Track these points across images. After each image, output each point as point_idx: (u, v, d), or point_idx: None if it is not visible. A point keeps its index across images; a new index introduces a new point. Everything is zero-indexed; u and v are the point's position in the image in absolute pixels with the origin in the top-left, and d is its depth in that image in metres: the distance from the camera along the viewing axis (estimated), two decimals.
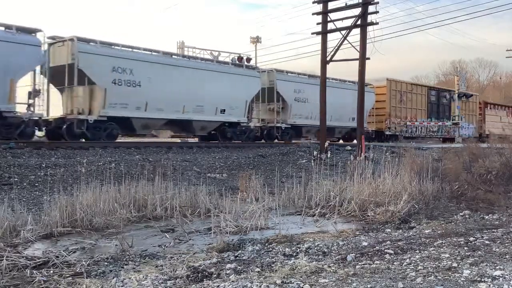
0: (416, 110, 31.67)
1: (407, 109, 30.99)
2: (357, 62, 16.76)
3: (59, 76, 16.31)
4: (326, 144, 13.57)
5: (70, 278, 3.88)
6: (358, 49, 16.48)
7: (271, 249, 4.92)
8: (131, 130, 18.29)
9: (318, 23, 17.66)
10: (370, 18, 16.58)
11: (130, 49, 17.89)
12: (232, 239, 5.28)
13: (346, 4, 17.06)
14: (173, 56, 19.57)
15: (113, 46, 17.35)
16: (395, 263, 4.23)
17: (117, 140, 18.30)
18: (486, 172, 9.09)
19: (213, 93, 19.88)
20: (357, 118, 18.35)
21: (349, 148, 18.89)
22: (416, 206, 6.89)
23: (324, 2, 17.48)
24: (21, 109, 15.37)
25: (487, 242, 5.02)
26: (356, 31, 16.85)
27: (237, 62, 22.59)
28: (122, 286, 3.69)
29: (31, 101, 15.59)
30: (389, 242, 5.06)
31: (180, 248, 5.07)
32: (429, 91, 33.61)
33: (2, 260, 4.12)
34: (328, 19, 17.45)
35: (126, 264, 4.32)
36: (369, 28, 16.43)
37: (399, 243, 4.99)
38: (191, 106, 19.33)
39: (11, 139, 14.23)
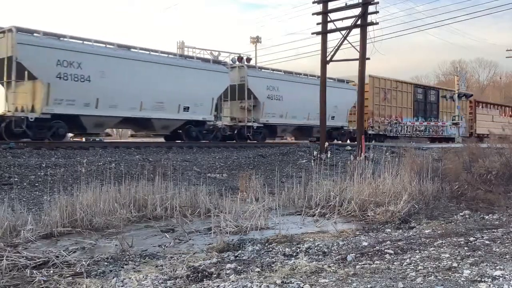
0: (401, 108, 30.65)
1: (391, 107, 29.97)
2: (357, 62, 16.75)
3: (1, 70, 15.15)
4: (326, 144, 13.56)
5: (70, 278, 3.88)
6: (358, 49, 16.47)
7: (271, 249, 4.92)
8: (81, 129, 16.91)
9: (318, 23, 17.66)
10: (370, 18, 16.58)
11: (80, 41, 16.46)
12: (232, 239, 5.28)
13: (346, 4, 17.06)
14: (132, 50, 18.05)
15: (61, 38, 15.87)
16: (395, 263, 4.23)
17: (117, 140, 18.27)
18: (486, 172, 9.09)
19: (175, 90, 18.57)
20: (357, 118, 18.35)
21: (349, 148, 18.88)
22: (416, 206, 6.89)
23: (324, 2, 17.48)
24: None
25: (487, 242, 5.02)
26: (356, 31, 16.86)
27: (237, 62, 22.50)
28: (122, 286, 3.69)
29: None
30: (389, 242, 5.06)
31: (180, 248, 5.07)
32: (415, 89, 32.57)
33: (2, 260, 4.12)
34: (328, 19, 17.45)
35: (126, 264, 4.32)
36: (369, 28, 16.43)
37: (399, 243, 4.99)
38: (149, 103, 17.89)
39: None
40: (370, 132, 27.69)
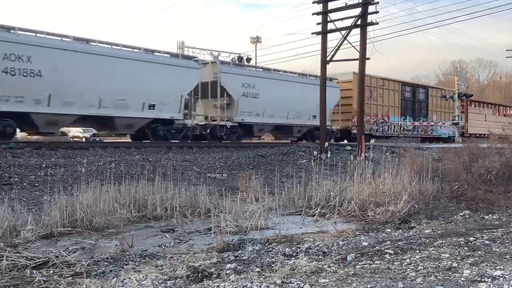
0: (388, 107, 29.39)
1: (377, 106, 28.74)
2: (357, 62, 16.76)
3: None
4: (326, 144, 13.57)
5: (70, 278, 3.88)
6: (358, 49, 16.47)
7: (271, 249, 4.92)
8: (33, 128, 15.70)
9: (318, 23, 17.66)
10: (370, 18, 16.58)
11: (32, 34, 15.33)
12: (232, 239, 5.28)
13: (346, 4, 17.06)
14: (91, 43, 16.70)
15: (10, 30, 14.81)
16: (395, 263, 4.23)
17: (117, 140, 18.24)
18: (486, 172, 9.08)
19: (139, 86, 17.34)
20: (357, 118, 18.34)
21: (349, 148, 18.88)
22: (416, 206, 6.89)
23: (324, 2, 17.48)
24: None
25: (487, 242, 5.02)
26: (356, 31, 16.86)
27: (237, 62, 22.22)
28: (122, 286, 3.69)
29: None
30: (389, 242, 5.06)
31: (180, 248, 5.07)
32: (403, 87, 31.33)
33: (2, 260, 4.12)
34: (328, 19, 17.45)
35: (126, 264, 4.32)
36: (369, 28, 16.43)
37: (399, 243, 4.99)
38: (110, 100, 16.63)
39: None
40: (354, 131, 25.79)
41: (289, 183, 8.71)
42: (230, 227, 5.87)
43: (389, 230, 5.99)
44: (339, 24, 17.32)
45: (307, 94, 23.33)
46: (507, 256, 4.42)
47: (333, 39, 43.15)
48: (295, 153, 16.72)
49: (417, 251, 4.65)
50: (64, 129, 22.77)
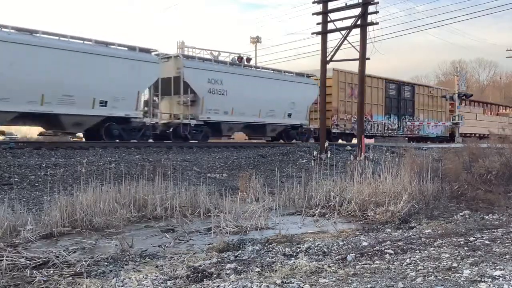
0: (371, 105, 27.58)
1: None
2: (357, 62, 16.76)
3: None
4: (326, 144, 13.57)
5: (70, 278, 3.88)
6: (358, 49, 16.48)
7: (271, 249, 4.92)
8: None
9: (318, 23, 17.67)
10: (370, 18, 16.59)
11: None
12: (232, 239, 5.28)
13: (346, 4, 17.07)
14: (34, 34, 15.17)
15: None
16: (395, 263, 4.23)
17: (117, 140, 18.11)
18: (486, 172, 9.09)
19: (89, 81, 15.82)
20: (357, 117, 18.34)
21: (349, 148, 18.88)
22: (416, 206, 6.89)
23: (324, 2, 17.48)
24: None
25: (487, 242, 5.02)
26: (356, 31, 16.86)
27: (236, 62, 21.98)
28: (122, 286, 3.69)
29: None
30: (389, 242, 5.06)
31: (180, 248, 5.07)
32: (387, 84, 29.52)
33: (2, 260, 4.13)
34: (328, 19, 17.45)
35: (126, 264, 4.33)
36: (369, 28, 16.44)
37: (399, 243, 4.99)
38: (54, 96, 15.09)
39: None
40: (334, 130, 25.30)
41: (289, 183, 8.71)
42: (230, 227, 5.87)
43: (389, 230, 5.99)
44: (339, 24, 17.35)
45: (282, 92, 22.43)
46: (507, 256, 4.42)
47: (333, 39, 43.09)
48: (295, 153, 16.72)
49: (417, 251, 4.66)
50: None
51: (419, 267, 4.04)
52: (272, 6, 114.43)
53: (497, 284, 3.55)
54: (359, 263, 4.21)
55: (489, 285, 3.53)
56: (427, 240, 5.13)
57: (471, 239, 5.16)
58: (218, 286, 3.62)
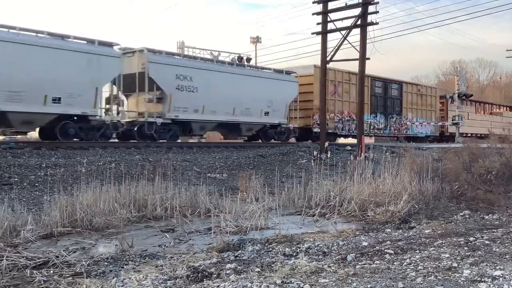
0: (355, 103, 25.53)
1: (343, 102, 25.87)
2: (357, 62, 16.76)
3: None
4: (326, 144, 13.57)
5: (70, 278, 3.88)
6: (358, 49, 16.48)
7: (271, 249, 4.92)
8: None
9: (318, 23, 17.67)
10: (370, 18, 16.58)
11: None
12: (232, 239, 5.28)
13: (346, 4, 17.07)
14: None
15: None
16: (395, 263, 4.23)
17: (117, 141, 18.04)
18: (486, 172, 9.09)
19: (39, 76, 14.70)
20: (358, 117, 18.33)
21: (349, 148, 18.89)
22: (416, 206, 6.89)
23: (324, 2, 17.48)
24: None
25: (487, 242, 5.03)
26: (356, 31, 16.86)
27: (237, 62, 21.73)
28: (122, 286, 3.69)
29: None
30: (389, 242, 5.06)
31: (180, 248, 5.07)
32: (373, 82, 27.97)
33: (2, 260, 4.13)
34: (328, 19, 17.45)
35: (126, 264, 4.33)
36: (369, 28, 16.43)
37: (399, 243, 5.00)
38: (0, 92, 14.10)
39: None
40: (316, 130, 23.59)
41: (289, 183, 8.71)
42: (230, 227, 5.87)
43: (389, 230, 5.99)
44: (339, 24, 17.34)
45: (258, 89, 21.30)
46: (507, 256, 4.42)
47: (333, 39, 43.05)
48: (295, 153, 16.73)
49: (417, 251, 4.66)
50: None
51: (419, 267, 4.04)
52: (272, 6, 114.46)
53: (497, 284, 3.55)
54: (359, 263, 4.21)
55: (489, 285, 3.53)
56: (427, 240, 5.13)
57: (471, 239, 5.16)
58: (218, 286, 3.62)
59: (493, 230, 5.77)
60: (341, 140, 27.33)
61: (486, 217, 6.79)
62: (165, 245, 5.20)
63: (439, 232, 5.61)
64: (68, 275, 3.94)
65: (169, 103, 18.45)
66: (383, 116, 28.93)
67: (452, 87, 37.27)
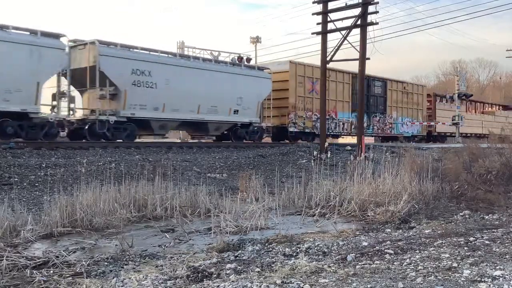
0: (335, 101, 24.92)
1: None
2: (357, 62, 16.77)
3: None
4: (326, 144, 13.57)
5: (70, 278, 3.88)
6: (358, 49, 16.48)
7: (271, 249, 4.92)
8: None
9: (318, 23, 17.67)
10: (370, 18, 16.59)
11: None
12: (232, 239, 5.28)
13: (346, 4, 17.07)
14: None
15: None
16: (395, 263, 4.23)
17: (117, 140, 17.98)
18: (486, 172, 9.09)
19: None
20: (358, 117, 18.33)
21: (349, 148, 18.88)
22: (416, 206, 6.89)
23: (324, 2, 17.48)
24: None
25: (487, 242, 5.03)
26: (356, 31, 16.86)
27: (237, 62, 21.40)
28: (122, 286, 3.69)
29: None
30: (389, 242, 5.06)
31: (180, 248, 5.07)
32: (355, 79, 25.72)
33: (2, 260, 4.13)
34: (328, 19, 17.45)
35: (126, 264, 4.33)
36: (369, 28, 16.44)
37: (399, 243, 5.00)
38: None
39: None
40: (292, 129, 22.83)
41: (289, 183, 8.71)
42: (230, 227, 5.87)
43: (389, 230, 5.99)
44: (339, 24, 17.34)
45: (226, 85, 20.00)
46: (507, 256, 4.42)
47: (333, 39, 42.92)
48: (295, 153, 16.72)
49: (417, 251, 4.66)
50: None
51: (419, 267, 4.04)
52: (272, 6, 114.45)
53: (497, 284, 3.55)
54: (359, 263, 4.21)
55: (489, 285, 3.53)
56: (427, 240, 5.13)
57: (471, 239, 5.16)
58: (218, 286, 3.62)
59: (493, 230, 5.76)
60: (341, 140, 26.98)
61: (486, 217, 6.79)
62: (165, 245, 5.20)
63: (439, 232, 5.61)
64: (68, 275, 3.94)
65: (124, 99, 16.99)
66: (365, 114, 27.00)
67: (452, 87, 36.89)
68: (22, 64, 14.44)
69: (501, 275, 3.72)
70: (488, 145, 11.78)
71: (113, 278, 3.86)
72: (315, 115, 23.69)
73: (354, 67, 16.99)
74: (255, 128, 21.80)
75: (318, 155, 9.29)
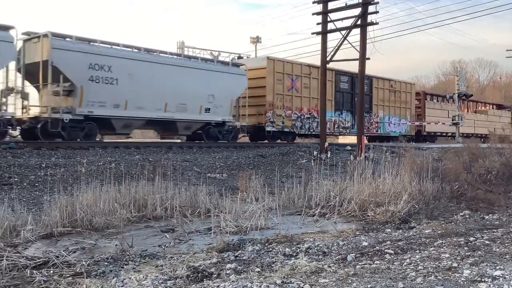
0: (317, 100, 23.54)
1: (302, 98, 23.47)
2: (357, 62, 16.77)
3: None
4: (326, 144, 13.57)
5: (70, 278, 3.88)
6: (358, 49, 16.48)
7: (271, 249, 4.92)
8: None
9: (318, 23, 17.67)
10: (370, 18, 16.60)
11: None
12: (232, 239, 5.28)
13: (346, 4, 17.08)
14: None
15: None
16: (395, 263, 4.23)
17: (117, 140, 17.92)
18: (486, 172, 9.09)
19: None
20: (358, 117, 18.32)
21: (349, 148, 18.88)
22: (416, 206, 6.89)
23: (324, 2, 17.49)
24: None
25: (487, 242, 5.03)
26: (356, 31, 16.87)
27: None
28: (122, 286, 3.69)
29: None
30: (389, 242, 5.06)
31: (180, 248, 5.07)
32: (338, 77, 25.19)
33: (2, 260, 4.12)
34: (328, 19, 17.46)
35: (126, 264, 4.32)
36: (369, 28, 16.45)
37: (399, 243, 4.99)
38: None
39: None
40: (269, 128, 21.86)
41: (289, 183, 8.71)
42: (230, 227, 5.87)
43: (389, 230, 5.99)
44: (339, 24, 17.35)
45: (197, 82, 19.06)
46: (507, 256, 4.42)
47: (333, 39, 42.97)
48: (295, 153, 16.72)
49: (417, 251, 4.66)
50: None
51: (419, 267, 4.04)
52: (272, 6, 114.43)
53: (497, 284, 3.55)
54: (359, 263, 4.21)
55: (489, 285, 3.53)
56: (427, 240, 5.13)
57: (471, 239, 5.16)
58: (218, 286, 3.62)
59: (493, 230, 5.76)
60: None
61: (486, 217, 6.79)
62: (165, 245, 5.20)
63: (439, 232, 5.61)
64: (68, 275, 3.94)
65: (81, 96, 15.85)
66: (349, 113, 26.22)
67: (452, 87, 36.66)
68: None
69: (501, 275, 3.72)
70: (488, 145, 11.78)
71: (113, 278, 3.86)
72: (295, 114, 23.12)
73: (354, 67, 16.99)
74: (230, 127, 20.85)
75: (318, 155, 9.29)
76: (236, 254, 4.65)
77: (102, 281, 3.78)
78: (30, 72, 15.91)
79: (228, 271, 3.99)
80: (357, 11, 16.84)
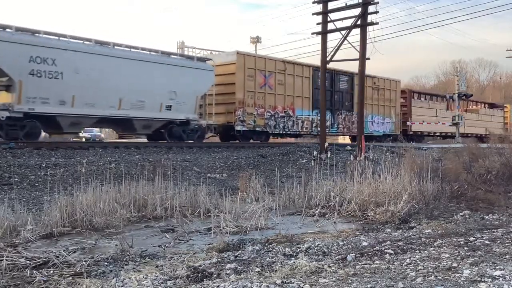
0: (293, 97, 22.72)
1: (276, 96, 22.19)
2: (357, 62, 16.77)
3: None
4: (326, 144, 13.56)
5: (70, 278, 3.88)
6: (358, 49, 16.48)
7: (271, 249, 4.92)
8: None
9: (318, 23, 17.66)
10: (370, 18, 16.58)
11: None
12: (232, 239, 5.28)
13: (346, 4, 17.07)
14: None
15: None
16: (395, 263, 4.23)
17: (117, 140, 17.84)
18: (486, 172, 9.10)
19: None
20: (358, 116, 18.33)
21: (349, 148, 18.88)
22: (416, 206, 6.89)
23: (324, 2, 17.48)
24: None
25: (487, 242, 5.03)
26: (356, 31, 16.86)
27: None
28: (122, 286, 3.69)
29: None
30: (389, 242, 5.06)
31: (180, 248, 5.07)
32: (316, 73, 23.22)
33: (2, 260, 4.13)
34: (328, 19, 17.45)
35: (126, 264, 4.33)
36: (369, 28, 16.44)
37: (399, 243, 5.00)
38: None
39: None
40: (239, 128, 20.64)
41: (289, 183, 8.71)
42: (230, 227, 5.87)
43: (389, 230, 5.99)
44: (339, 24, 17.33)
45: (157, 78, 17.81)
46: (507, 256, 4.42)
47: (333, 39, 42.96)
48: (295, 153, 16.72)
49: (417, 251, 4.66)
50: None
51: (419, 267, 4.04)
52: (272, 6, 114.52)
53: (497, 284, 3.55)
54: (359, 263, 4.21)
55: (489, 285, 3.53)
56: (427, 240, 5.13)
57: (471, 239, 5.16)
58: (218, 286, 3.62)
59: (493, 230, 5.77)
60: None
61: (486, 217, 6.79)
62: (165, 245, 5.20)
63: (439, 232, 5.61)
64: (68, 275, 3.94)
65: (19, 92, 14.40)
66: (329, 112, 24.29)
67: (452, 87, 36.50)
68: None
69: (501, 275, 3.72)
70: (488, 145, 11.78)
71: (113, 278, 3.86)
72: (268, 112, 21.92)
73: (354, 67, 16.98)
74: (195, 126, 19.59)
75: (318, 155, 9.29)
76: (236, 254, 4.65)
77: (102, 281, 3.78)
78: None
79: (228, 271, 3.99)
80: (357, 11, 16.85)
